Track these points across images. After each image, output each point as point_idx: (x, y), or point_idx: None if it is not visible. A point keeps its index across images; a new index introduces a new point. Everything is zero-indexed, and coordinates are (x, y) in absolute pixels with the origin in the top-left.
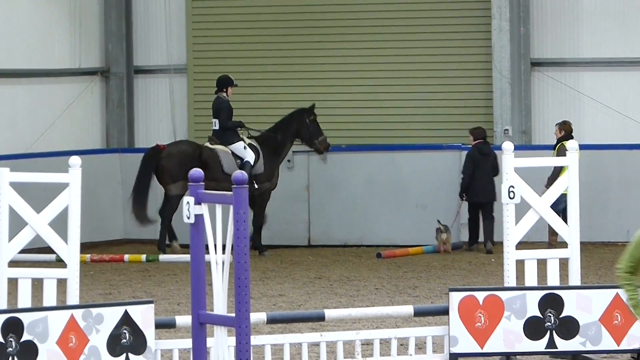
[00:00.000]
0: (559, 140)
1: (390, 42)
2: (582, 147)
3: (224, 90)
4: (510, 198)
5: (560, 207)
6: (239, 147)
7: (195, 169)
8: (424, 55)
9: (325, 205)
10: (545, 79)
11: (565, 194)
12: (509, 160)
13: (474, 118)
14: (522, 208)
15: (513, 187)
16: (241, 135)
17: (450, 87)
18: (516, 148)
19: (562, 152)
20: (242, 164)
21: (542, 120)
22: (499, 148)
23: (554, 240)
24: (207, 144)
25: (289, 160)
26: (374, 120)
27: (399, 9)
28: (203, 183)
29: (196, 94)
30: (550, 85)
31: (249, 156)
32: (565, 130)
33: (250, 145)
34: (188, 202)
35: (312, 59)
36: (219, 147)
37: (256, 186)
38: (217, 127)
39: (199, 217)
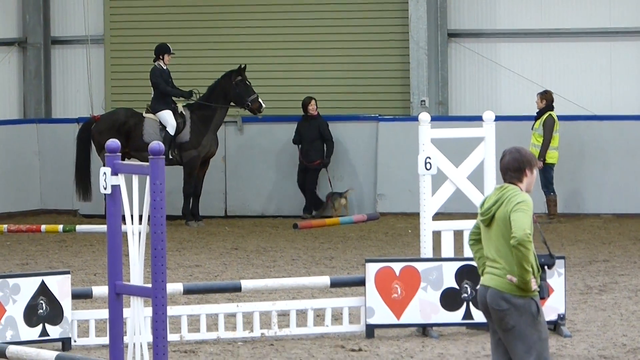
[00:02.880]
0: (542, 110)
1: (306, 13)
2: (499, 118)
3: (160, 58)
4: (426, 169)
5: (551, 174)
6: (162, 116)
7: (112, 139)
8: (340, 26)
9: (242, 176)
10: (462, 50)
11: (554, 164)
12: (426, 131)
13: (390, 89)
14: (439, 179)
15: (430, 158)
16: (176, 103)
17: (367, 57)
18: (433, 119)
19: (549, 123)
20: (165, 135)
21: (459, 91)
22: (416, 119)
23: (554, 211)
24: (143, 112)
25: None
26: (289, 91)
27: None
28: (120, 153)
29: (113, 65)
30: (467, 56)
31: (169, 126)
32: (547, 100)
33: (180, 113)
34: (105, 173)
35: (230, 30)
36: (148, 116)
37: (170, 156)
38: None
39: (115, 188)
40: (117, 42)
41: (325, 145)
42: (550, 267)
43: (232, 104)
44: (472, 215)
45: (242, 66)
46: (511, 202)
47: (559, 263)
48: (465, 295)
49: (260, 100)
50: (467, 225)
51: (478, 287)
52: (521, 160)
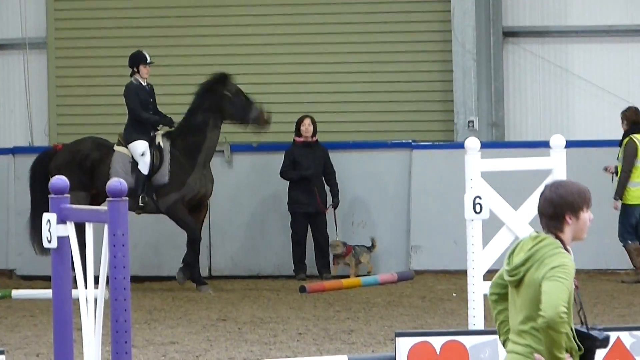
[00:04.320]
0: (625, 133)
1: (316, 6)
2: (572, 144)
3: (135, 70)
4: (476, 212)
5: (632, 220)
6: (134, 148)
7: (57, 176)
8: (360, 23)
9: (231, 224)
10: (522, 53)
11: (636, 205)
12: (475, 162)
13: (428, 106)
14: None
15: (480, 197)
16: (157, 131)
17: (399, 65)
18: (484, 146)
19: (628, 149)
20: (138, 174)
21: (518, 108)
22: (462, 146)
23: None
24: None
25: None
26: (293, 111)
27: None
28: (68, 195)
29: (59, 77)
30: (528, 61)
31: (142, 164)
32: (627, 120)
33: (157, 145)
34: (49, 221)
35: (216, 30)
36: (119, 149)
37: (140, 203)
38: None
39: (63, 240)
40: (63, 46)
41: (329, 179)
42: (596, 347)
43: (225, 121)
44: None
45: (224, 74)
46: (545, 265)
47: None
48: None
49: (264, 108)
50: None
51: None
52: (558, 202)
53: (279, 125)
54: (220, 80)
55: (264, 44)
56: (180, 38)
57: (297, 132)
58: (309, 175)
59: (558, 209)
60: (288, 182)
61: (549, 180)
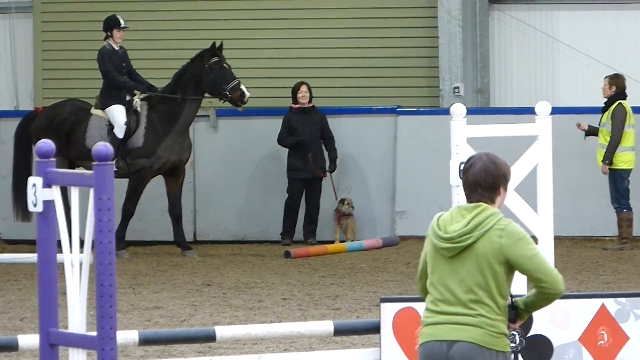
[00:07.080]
0: (610, 99)
1: None
2: (557, 110)
3: (109, 35)
4: (461, 178)
5: (624, 185)
6: (110, 113)
7: (43, 140)
8: None
9: (216, 188)
10: (507, 20)
11: (628, 170)
12: (460, 128)
13: (413, 72)
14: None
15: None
16: (135, 95)
17: (385, 31)
18: (469, 112)
19: (618, 114)
20: (113, 138)
21: (503, 75)
22: (447, 112)
23: (628, 234)
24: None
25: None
26: (280, 76)
27: None
28: (54, 159)
29: (45, 41)
30: (514, 28)
31: (117, 126)
32: (617, 86)
33: (135, 110)
34: (34, 185)
35: None
36: (96, 112)
37: (115, 168)
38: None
39: (48, 204)
40: (50, 10)
41: (327, 144)
42: (512, 322)
43: (206, 94)
44: None
45: (218, 44)
46: (510, 234)
47: (636, 303)
48: (513, 345)
49: (242, 87)
50: None
51: (425, 342)
52: (496, 173)
53: (269, 90)
54: (207, 51)
55: (254, 9)
56: (170, 2)
57: (294, 98)
58: (303, 141)
59: (496, 180)
60: (279, 148)
61: (535, 146)
